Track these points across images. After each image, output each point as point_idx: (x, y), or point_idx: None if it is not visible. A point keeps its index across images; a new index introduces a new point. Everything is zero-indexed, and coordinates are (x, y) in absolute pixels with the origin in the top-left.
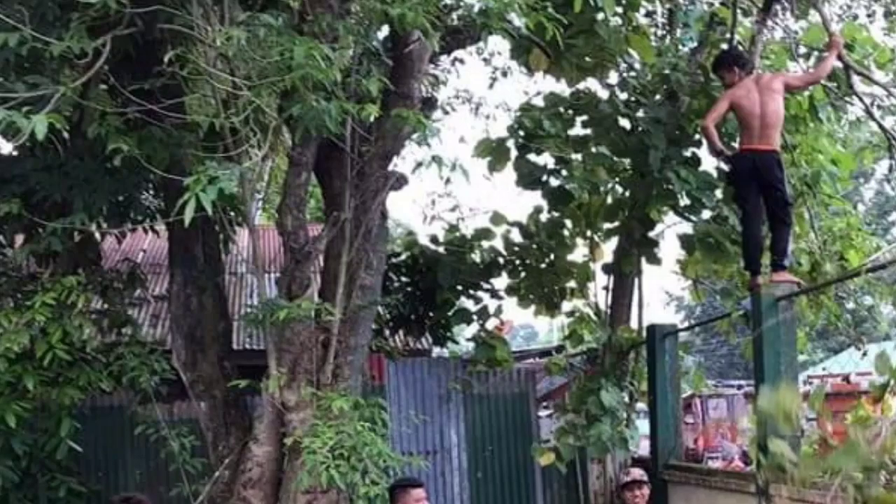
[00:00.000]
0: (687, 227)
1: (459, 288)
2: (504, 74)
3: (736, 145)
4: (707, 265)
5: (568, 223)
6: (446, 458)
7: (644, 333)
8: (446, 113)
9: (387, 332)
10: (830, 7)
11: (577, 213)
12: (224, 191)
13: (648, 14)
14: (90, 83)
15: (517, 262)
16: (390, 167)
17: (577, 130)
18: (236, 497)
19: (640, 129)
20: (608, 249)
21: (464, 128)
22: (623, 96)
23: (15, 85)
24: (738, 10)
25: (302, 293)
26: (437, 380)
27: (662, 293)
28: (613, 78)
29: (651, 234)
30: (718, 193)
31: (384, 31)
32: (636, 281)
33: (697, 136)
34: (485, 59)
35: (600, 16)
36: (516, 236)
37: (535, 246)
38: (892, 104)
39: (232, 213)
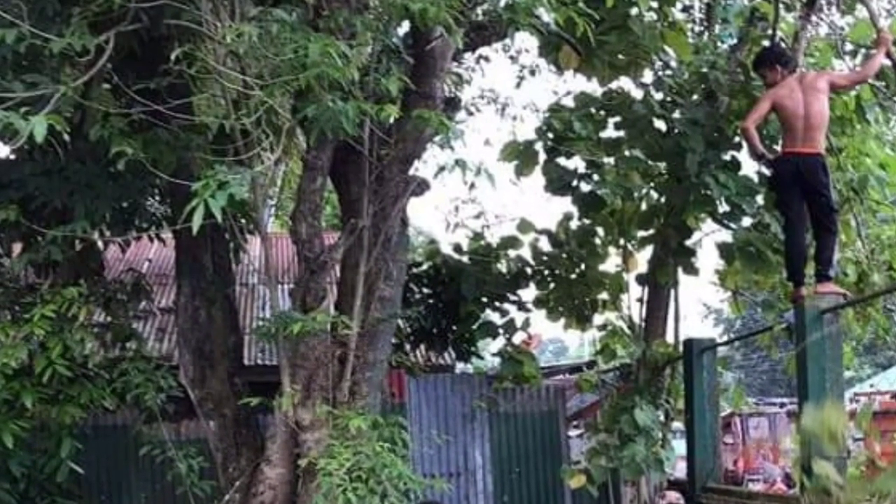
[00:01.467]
0: (726, 236)
1: (484, 300)
2: (532, 73)
3: (778, 148)
4: (747, 275)
5: (600, 231)
6: (470, 480)
7: (680, 348)
8: (470, 114)
9: (407, 347)
10: (878, 1)
11: (610, 220)
12: (234, 196)
13: (685, 9)
14: (92, 82)
15: (546, 272)
16: (411, 171)
17: (610, 132)
18: None
19: (676, 131)
20: (642, 259)
21: (489, 130)
22: (658, 96)
23: (13, 84)
24: (781, 5)
25: (317, 305)
26: (461, 397)
27: (700, 305)
28: (648, 77)
29: (688, 242)
30: (759, 199)
31: (404, 26)
32: (672, 292)
33: (737, 139)
34: (511, 57)
35: (634, 11)
36: (545, 245)
37: (564, 255)
38: None
39: (243, 221)
